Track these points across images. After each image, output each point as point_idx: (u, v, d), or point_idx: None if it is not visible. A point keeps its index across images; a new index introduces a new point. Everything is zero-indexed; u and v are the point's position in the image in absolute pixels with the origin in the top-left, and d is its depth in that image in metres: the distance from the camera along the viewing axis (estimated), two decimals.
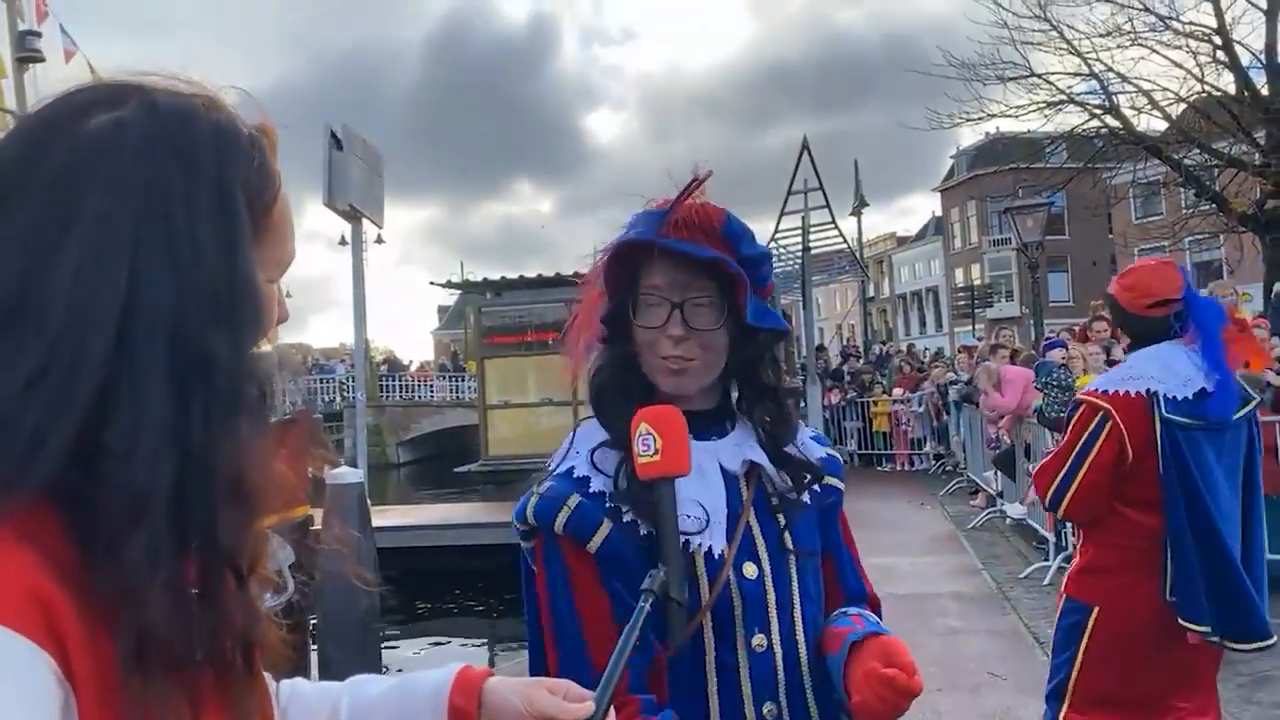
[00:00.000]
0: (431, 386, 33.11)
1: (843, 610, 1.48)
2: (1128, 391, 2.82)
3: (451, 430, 28.44)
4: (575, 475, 1.38)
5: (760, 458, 1.43)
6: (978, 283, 41.96)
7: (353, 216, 9.66)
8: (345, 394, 27.47)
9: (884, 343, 27.51)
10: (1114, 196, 19.82)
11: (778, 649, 1.39)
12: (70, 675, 0.63)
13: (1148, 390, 2.78)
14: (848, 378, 17.21)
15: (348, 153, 8.96)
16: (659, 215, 1.38)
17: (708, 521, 1.37)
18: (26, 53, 12.36)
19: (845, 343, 25.49)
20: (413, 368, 37.09)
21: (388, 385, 32.78)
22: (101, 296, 0.69)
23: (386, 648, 8.99)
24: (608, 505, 1.35)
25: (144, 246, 0.70)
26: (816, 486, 1.47)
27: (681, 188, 1.38)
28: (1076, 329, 10.46)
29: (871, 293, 46.71)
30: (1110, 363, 8.22)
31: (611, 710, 0.99)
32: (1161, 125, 16.29)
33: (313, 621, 8.61)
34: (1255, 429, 2.89)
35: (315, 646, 8.33)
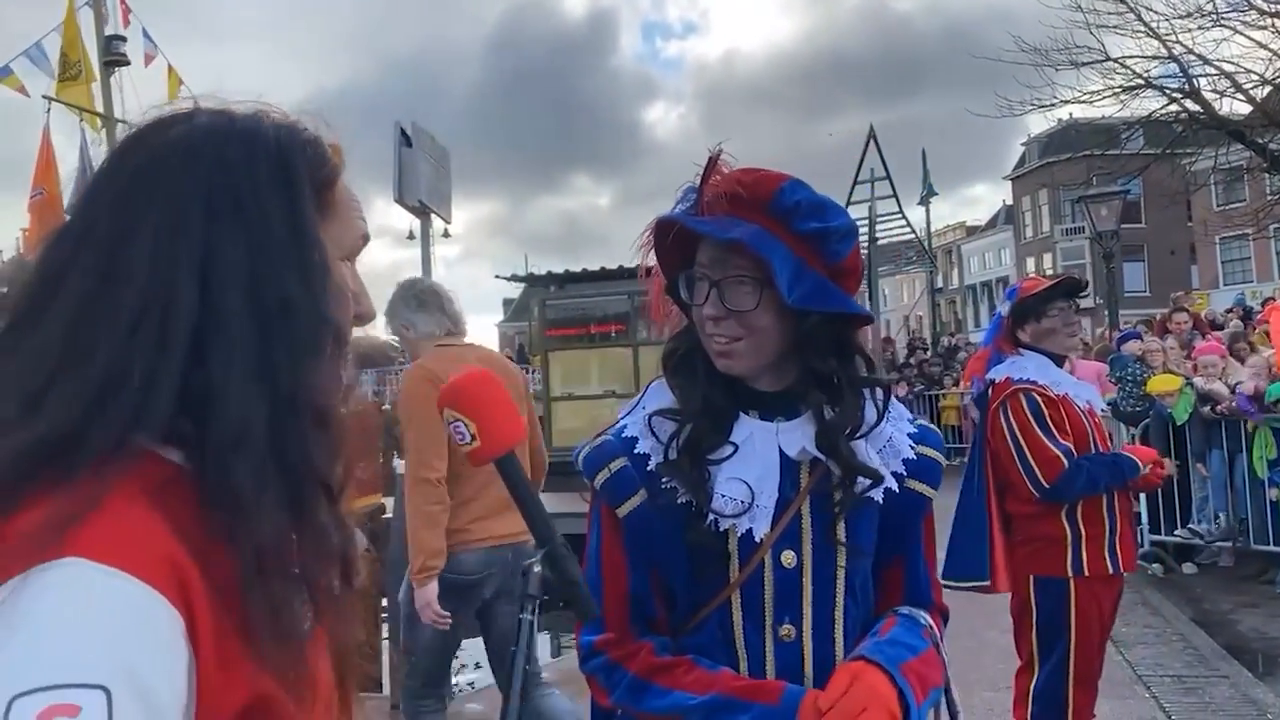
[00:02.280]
0: None
1: (892, 611, 1.43)
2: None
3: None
4: (626, 434, 1.41)
5: (808, 446, 1.36)
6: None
7: (421, 212, 9.80)
8: None
9: (952, 334, 27.00)
10: (1194, 183, 19.16)
11: (808, 642, 1.36)
12: (194, 636, 0.67)
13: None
14: (915, 370, 16.94)
15: (416, 149, 9.09)
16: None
17: (750, 504, 1.34)
18: (112, 56, 12.80)
19: (912, 335, 25.09)
20: None
21: None
22: (183, 253, 0.76)
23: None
24: (649, 469, 1.36)
25: (216, 210, 0.77)
26: (894, 487, 1.39)
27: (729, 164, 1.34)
28: (1155, 321, 10.15)
29: (940, 283, 45.88)
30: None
31: None
32: (1245, 109, 15.71)
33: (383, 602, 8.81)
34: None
35: (385, 633, 8.51)
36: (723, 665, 1.34)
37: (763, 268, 1.28)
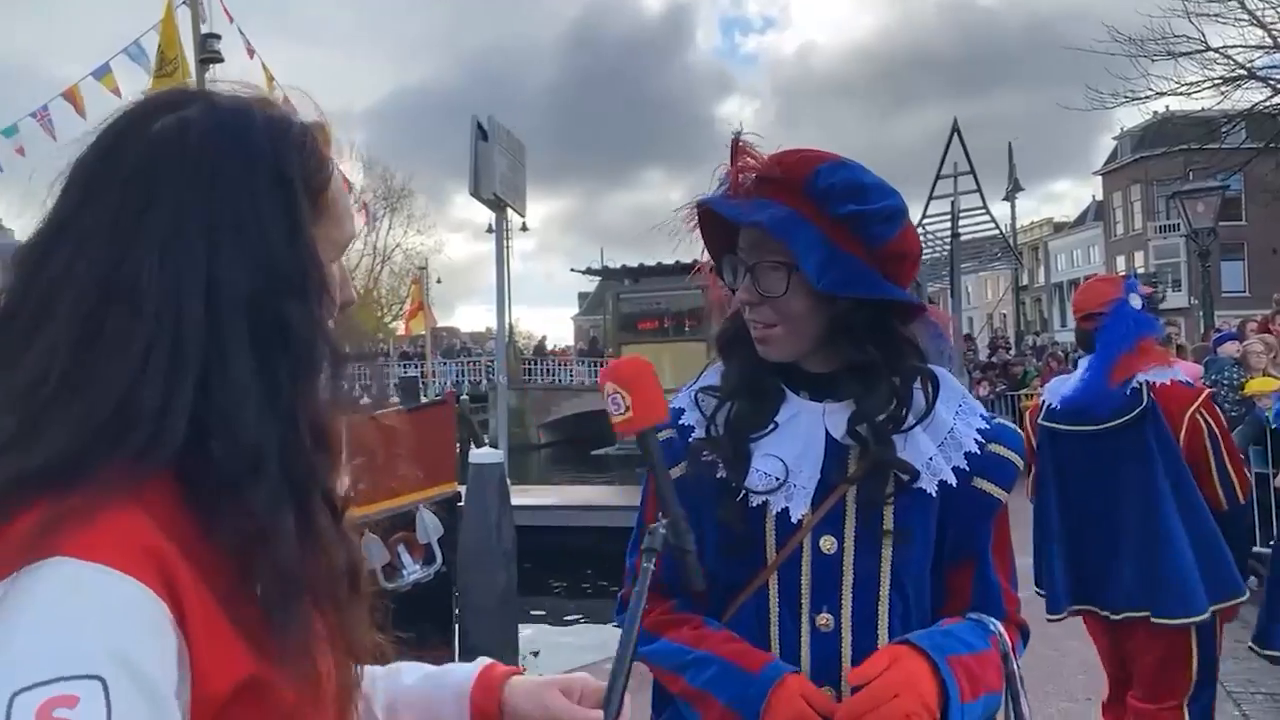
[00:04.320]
0: (571, 370, 33.76)
1: (960, 614, 1.37)
2: (1036, 401, 3.34)
3: (590, 414, 28.97)
4: (675, 406, 1.43)
5: (844, 430, 1.33)
6: (1141, 271, 39.51)
7: (497, 205, 9.94)
8: (491, 376, 28.39)
9: (1036, 334, 26.28)
10: None
11: (846, 633, 1.31)
12: (182, 622, 0.69)
13: (1043, 400, 3.24)
14: (998, 370, 16.55)
15: (492, 143, 9.22)
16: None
17: (784, 481, 1.32)
18: (208, 54, 13.24)
19: (995, 333, 24.50)
20: (555, 351, 37.94)
21: (531, 369, 33.63)
22: (187, 276, 0.75)
23: (524, 624, 9.26)
24: (691, 440, 1.38)
25: (216, 228, 0.76)
26: (952, 482, 1.33)
27: (775, 147, 1.34)
28: (1256, 322, 9.73)
29: (1025, 281, 44.69)
30: None
31: (627, 703, 0.98)
32: None
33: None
34: (1145, 435, 2.94)
35: (457, 620, 8.68)
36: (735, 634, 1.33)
37: (793, 252, 1.27)
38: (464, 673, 1.06)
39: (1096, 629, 3.17)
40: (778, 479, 1.31)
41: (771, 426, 1.35)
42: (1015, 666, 1.35)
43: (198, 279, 0.75)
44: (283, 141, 0.82)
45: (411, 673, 1.08)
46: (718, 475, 1.34)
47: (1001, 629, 1.35)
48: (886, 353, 1.32)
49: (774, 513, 1.32)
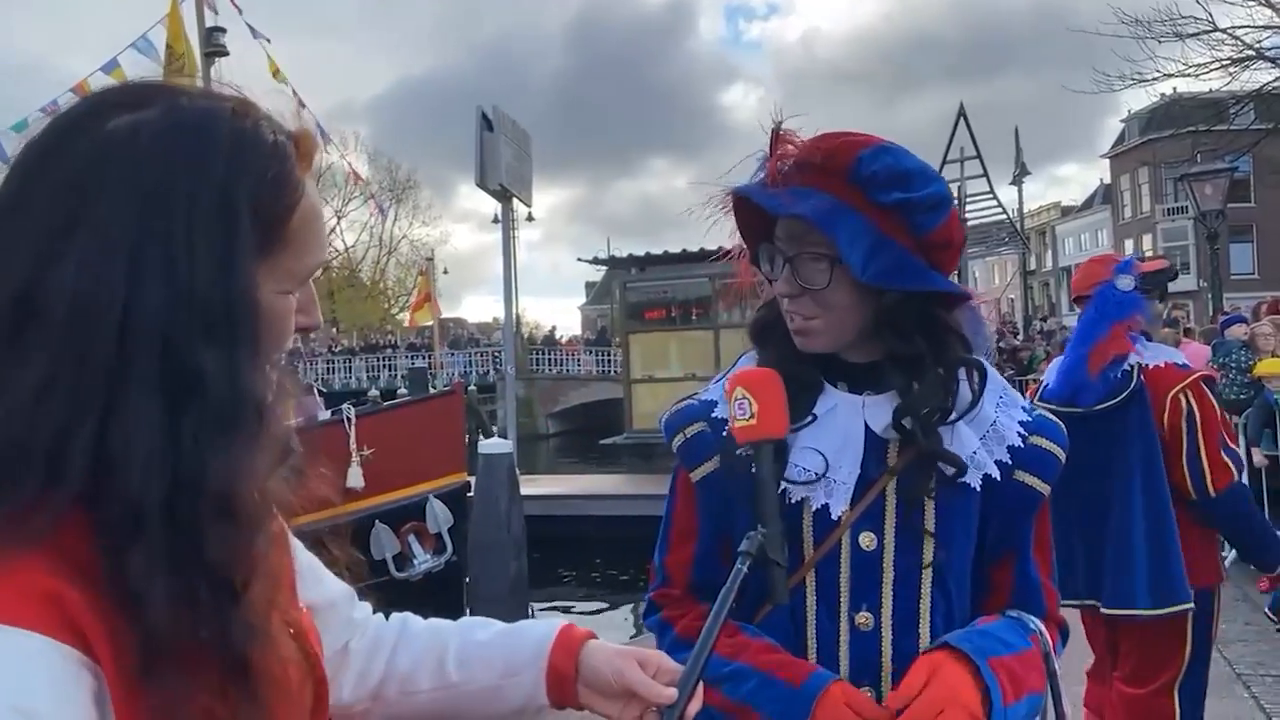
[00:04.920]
0: (579, 360, 33.79)
1: (999, 613, 1.33)
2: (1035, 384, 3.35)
3: (598, 403, 29.00)
4: (706, 398, 1.40)
5: (885, 423, 1.28)
6: (1149, 254, 39.30)
7: (503, 196, 9.94)
8: (498, 367, 28.44)
9: (1044, 318, 26.17)
10: None
11: (886, 632, 1.27)
12: (98, 663, 0.67)
13: (1043, 381, 3.18)
14: (1005, 355, 16.51)
15: (498, 133, 9.22)
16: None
17: (824, 475, 1.28)
18: (213, 48, 13.26)
19: (1002, 318, 24.45)
20: (564, 341, 38.00)
21: (539, 359, 33.67)
22: (101, 305, 0.68)
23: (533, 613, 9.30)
24: (725, 434, 1.31)
25: (142, 256, 0.70)
26: (996, 476, 1.28)
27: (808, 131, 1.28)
28: (1266, 304, 9.69)
29: (1032, 265, 44.52)
30: None
31: (699, 689, 0.98)
32: None
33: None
34: (1129, 419, 2.88)
35: (468, 610, 8.72)
36: (775, 642, 1.30)
37: (836, 243, 1.21)
38: (543, 631, 1.05)
39: (1085, 616, 3.08)
40: (817, 474, 1.28)
41: (810, 419, 1.30)
42: (1055, 666, 1.31)
43: (113, 308, 0.68)
44: (240, 161, 0.74)
45: (485, 628, 1.08)
46: (752, 470, 1.25)
47: (1042, 627, 1.31)
48: (933, 344, 1.27)
49: (813, 509, 1.28)
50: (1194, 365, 3.14)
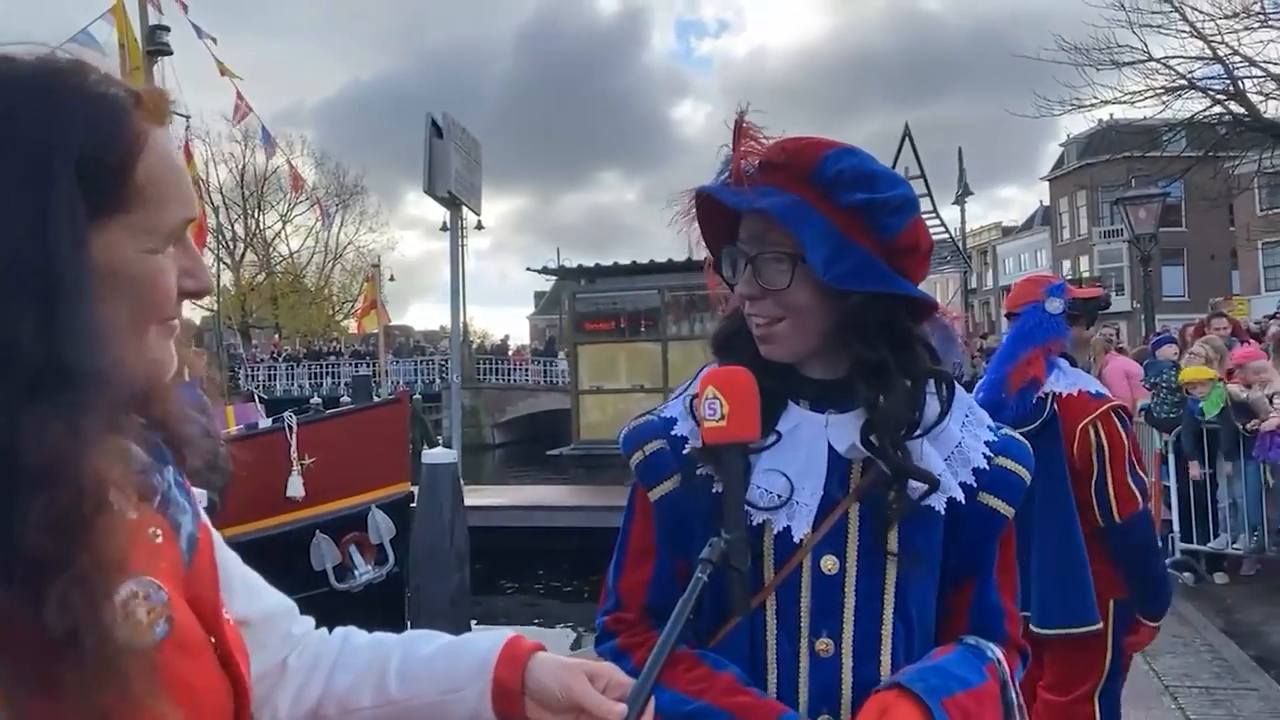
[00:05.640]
0: (526, 370, 33.61)
1: (957, 640, 1.29)
2: None
3: (545, 414, 28.88)
4: (666, 415, 1.34)
5: (857, 442, 1.23)
6: (1086, 275, 40.36)
7: (451, 203, 9.87)
8: (444, 376, 28.18)
9: (984, 336, 26.70)
10: (1236, 187, 18.80)
11: (847, 659, 1.24)
12: None
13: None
14: None
15: (447, 140, 9.15)
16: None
17: (788, 499, 1.24)
18: (155, 46, 13.00)
19: None
20: (511, 351, 37.74)
21: (484, 368, 33.42)
22: None
23: (477, 624, 9.21)
24: (685, 453, 1.27)
25: None
26: (960, 498, 1.25)
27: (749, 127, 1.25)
28: (1192, 328, 10.00)
29: (974, 284, 45.42)
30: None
31: (651, 704, 0.95)
32: None
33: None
34: (1042, 448, 2.85)
35: (409, 622, 8.60)
36: (741, 674, 1.25)
37: (798, 242, 1.19)
38: (488, 644, 1.01)
39: None
40: (781, 496, 1.23)
41: (775, 438, 1.25)
42: (1014, 695, 1.28)
43: None
44: (56, 116, 0.71)
45: (430, 642, 1.04)
46: (713, 490, 1.22)
47: (1000, 655, 1.28)
48: (899, 353, 1.22)
49: (775, 531, 1.24)
50: (1113, 384, 3.21)
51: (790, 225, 1.18)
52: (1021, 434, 3.01)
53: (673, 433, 1.31)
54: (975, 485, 1.26)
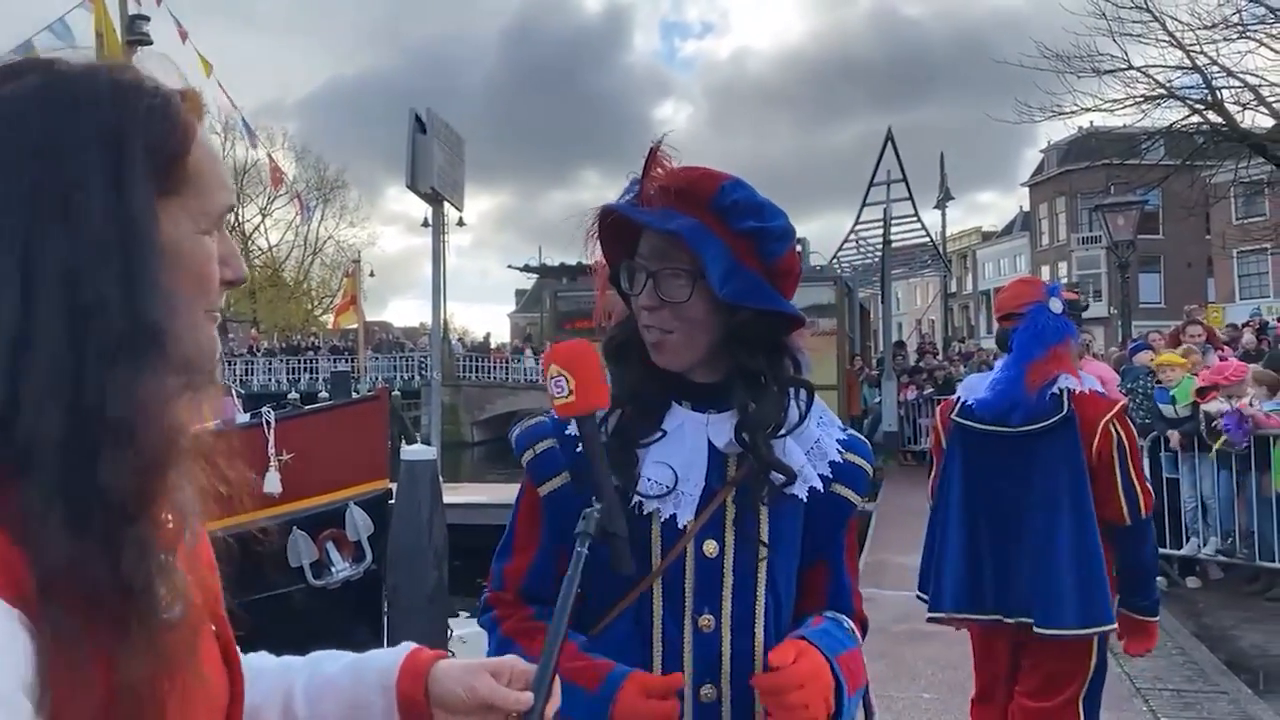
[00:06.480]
0: (506, 368, 33.54)
1: (818, 612, 1.45)
2: (949, 398, 3.34)
3: (525, 412, 28.83)
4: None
5: (724, 439, 1.38)
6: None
7: (434, 199, 9.83)
8: (424, 372, 28.08)
9: (962, 340, 26.92)
10: (1213, 195, 19.07)
11: (726, 633, 1.38)
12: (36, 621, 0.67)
13: (957, 396, 3.22)
14: (925, 375, 16.90)
15: (431, 136, 9.11)
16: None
17: (673, 489, 1.37)
18: (135, 36, 12.86)
19: (923, 339, 25.03)
20: (494, 349, 37.62)
21: (464, 365, 33.31)
22: (3, 252, 0.71)
23: (455, 620, 9.19)
24: (577, 452, 1.35)
25: (37, 199, 0.72)
26: (820, 488, 1.42)
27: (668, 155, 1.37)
28: (1167, 334, 10.11)
29: (953, 288, 45.72)
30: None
31: (556, 685, 0.99)
32: (1267, 122, 15.59)
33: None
34: (1059, 443, 2.95)
35: (387, 619, 8.57)
36: (634, 661, 1.34)
37: (698, 261, 1.31)
38: (389, 659, 1.02)
39: (987, 630, 3.11)
40: (668, 487, 1.36)
41: (660, 434, 1.39)
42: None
43: (13, 258, 0.71)
44: (124, 102, 0.76)
45: (334, 661, 1.04)
46: (578, 449, 1.35)
47: (853, 625, 1.47)
48: (772, 363, 1.39)
49: (661, 519, 1.37)
50: (1104, 387, 3.24)
51: (694, 245, 1.31)
52: (1036, 430, 2.96)
53: (566, 433, 1.41)
54: (831, 477, 1.45)
